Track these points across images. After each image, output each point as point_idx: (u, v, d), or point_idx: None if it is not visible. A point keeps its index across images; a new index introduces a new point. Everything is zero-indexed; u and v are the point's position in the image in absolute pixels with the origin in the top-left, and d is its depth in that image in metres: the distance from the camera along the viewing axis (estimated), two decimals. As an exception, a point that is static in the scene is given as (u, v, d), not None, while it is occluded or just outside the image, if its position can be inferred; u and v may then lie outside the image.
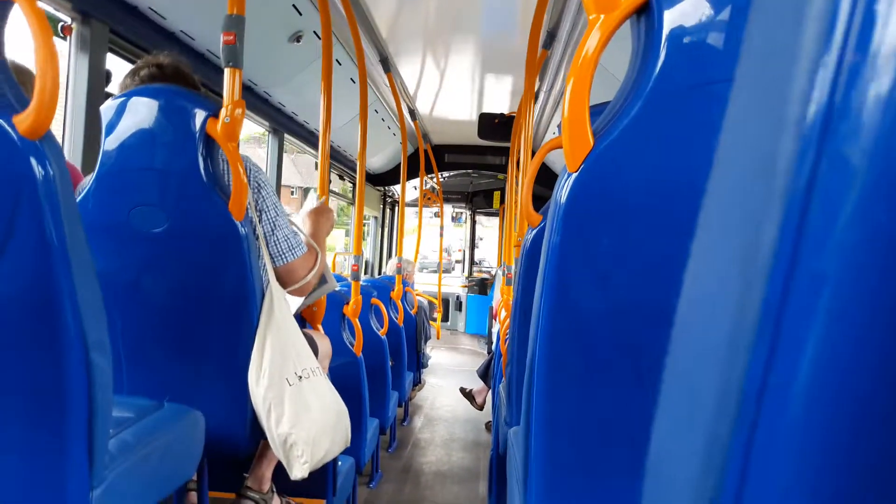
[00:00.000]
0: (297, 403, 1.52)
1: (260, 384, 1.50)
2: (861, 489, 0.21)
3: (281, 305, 1.57)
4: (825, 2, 0.20)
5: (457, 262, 10.54)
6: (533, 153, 2.97)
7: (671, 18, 0.79)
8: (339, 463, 2.21)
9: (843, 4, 0.20)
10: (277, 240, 1.61)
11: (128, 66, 1.85)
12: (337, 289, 2.10)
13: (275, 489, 1.84)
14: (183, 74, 1.63)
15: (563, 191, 0.84)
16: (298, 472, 1.54)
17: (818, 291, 0.21)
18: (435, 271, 10.21)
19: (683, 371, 0.28)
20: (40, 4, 0.91)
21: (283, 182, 4.50)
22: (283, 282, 1.64)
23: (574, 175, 0.83)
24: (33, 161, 0.87)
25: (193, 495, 1.68)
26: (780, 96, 0.22)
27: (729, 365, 0.23)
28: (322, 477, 2.04)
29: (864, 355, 0.20)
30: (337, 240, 9.36)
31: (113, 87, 2.29)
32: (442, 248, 7.72)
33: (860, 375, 0.20)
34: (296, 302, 1.93)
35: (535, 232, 1.47)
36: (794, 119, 0.21)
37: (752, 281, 0.22)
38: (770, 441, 0.22)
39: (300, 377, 1.54)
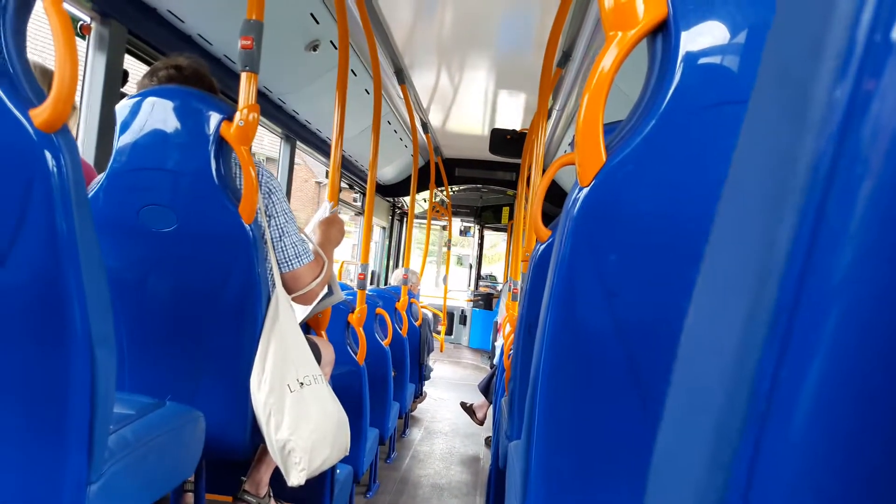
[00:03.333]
0: (297, 410, 1.51)
1: (261, 389, 1.49)
2: (869, 491, 0.21)
3: (286, 311, 1.57)
4: (849, 5, 0.20)
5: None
6: (544, 170, 2.97)
7: (688, 39, 0.79)
8: (338, 471, 2.20)
9: (867, 6, 0.20)
10: (285, 246, 1.61)
11: (144, 68, 1.86)
12: (343, 299, 2.11)
13: (272, 494, 1.83)
14: (201, 77, 1.63)
15: (574, 204, 0.84)
16: (295, 479, 1.53)
17: (831, 292, 0.21)
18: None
19: (691, 372, 0.28)
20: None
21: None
22: (288, 288, 1.64)
23: (585, 189, 0.83)
24: (47, 154, 0.88)
25: (190, 496, 1.68)
26: (801, 98, 0.22)
27: (739, 365, 0.23)
28: (320, 484, 2.03)
29: (876, 356, 0.20)
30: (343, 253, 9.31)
31: (129, 88, 2.31)
32: (449, 263, 7.70)
33: (872, 376, 0.20)
34: (301, 311, 1.93)
35: (543, 247, 1.47)
36: (814, 119, 0.21)
37: (765, 281, 0.22)
38: (779, 440, 0.22)
39: (302, 384, 1.54)
